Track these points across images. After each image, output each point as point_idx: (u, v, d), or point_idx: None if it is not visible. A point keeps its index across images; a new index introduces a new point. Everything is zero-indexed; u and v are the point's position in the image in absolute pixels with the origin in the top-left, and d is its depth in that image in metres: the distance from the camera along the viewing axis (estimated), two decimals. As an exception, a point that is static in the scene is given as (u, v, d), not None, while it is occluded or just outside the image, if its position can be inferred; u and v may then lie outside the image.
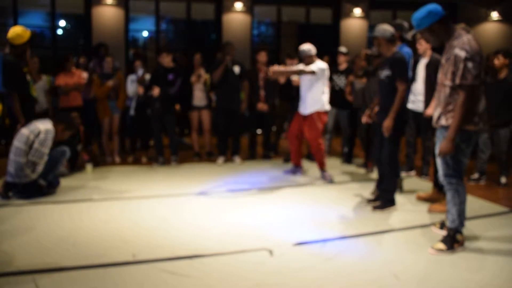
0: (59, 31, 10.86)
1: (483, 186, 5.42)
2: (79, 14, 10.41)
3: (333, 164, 6.41)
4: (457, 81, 3.16)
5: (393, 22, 4.56)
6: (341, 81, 6.58)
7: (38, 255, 3.21)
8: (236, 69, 6.44)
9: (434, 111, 3.45)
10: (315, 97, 5.44)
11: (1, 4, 10.10)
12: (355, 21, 11.63)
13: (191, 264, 3.09)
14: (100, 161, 6.47)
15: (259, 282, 2.83)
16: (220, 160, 6.54)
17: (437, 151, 3.38)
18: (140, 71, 6.47)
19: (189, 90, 6.73)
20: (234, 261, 3.15)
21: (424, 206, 4.45)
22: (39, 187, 4.70)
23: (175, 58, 7.10)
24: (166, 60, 6.26)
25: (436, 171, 4.27)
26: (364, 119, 4.69)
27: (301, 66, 5.38)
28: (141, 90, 6.34)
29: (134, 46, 11.03)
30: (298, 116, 5.66)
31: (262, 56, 6.60)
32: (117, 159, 6.58)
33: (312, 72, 5.26)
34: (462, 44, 3.15)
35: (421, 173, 5.75)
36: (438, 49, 3.76)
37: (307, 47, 5.45)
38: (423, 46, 5.17)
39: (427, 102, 4.99)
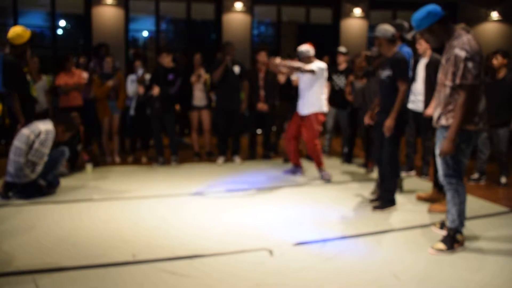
0: (59, 31, 10.87)
1: (483, 186, 5.42)
2: (79, 14, 10.42)
3: (333, 164, 6.41)
4: (458, 81, 3.16)
5: (394, 22, 4.56)
6: (340, 81, 6.59)
7: (38, 255, 3.21)
8: (236, 69, 6.43)
9: (434, 111, 3.45)
10: (314, 98, 5.44)
11: (1, 4, 10.10)
12: (355, 21, 11.63)
13: (191, 264, 3.09)
14: (100, 161, 6.47)
15: (259, 282, 2.84)
16: (220, 160, 6.54)
17: (437, 151, 3.38)
18: (140, 71, 6.46)
19: (189, 90, 6.73)
20: (234, 261, 3.15)
21: (424, 206, 4.45)
22: (39, 187, 4.70)
23: (175, 58, 7.09)
24: (166, 60, 6.26)
25: (436, 171, 4.27)
26: (367, 120, 4.69)
27: (301, 64, 5.38)
28: (141, 90, 6.34)
29: (134, 46, 11.03)
30: (296, 116, 5.67)
31: (262, 56, 6.58)
32: (117, 159, 6.58)
33: (312, 71, 5.26)
34: (462, 44, 3.16)
35: (421, 173, 5.76)
36: (438, 49, 3.75)
37: (305, 48, 5.46)
38: (423, 46, 5.18)
39: (427, 102, 5.00)
